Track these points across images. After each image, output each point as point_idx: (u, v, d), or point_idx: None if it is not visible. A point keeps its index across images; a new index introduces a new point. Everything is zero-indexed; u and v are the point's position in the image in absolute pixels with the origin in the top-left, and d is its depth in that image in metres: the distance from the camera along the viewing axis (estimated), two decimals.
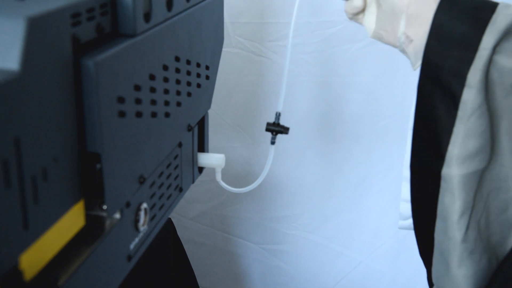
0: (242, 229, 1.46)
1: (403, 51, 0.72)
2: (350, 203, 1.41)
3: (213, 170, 0.83)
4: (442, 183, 0.66)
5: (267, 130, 0.87)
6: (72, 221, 0.49)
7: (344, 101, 1.32)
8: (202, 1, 0.72)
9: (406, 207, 0.77)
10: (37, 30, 0.42)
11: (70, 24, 0.46)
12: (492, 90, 0.64)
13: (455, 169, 0.65)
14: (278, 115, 0.88)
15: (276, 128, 0.87)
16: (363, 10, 0.76)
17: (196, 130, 0.77)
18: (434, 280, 0.73)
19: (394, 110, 1.32)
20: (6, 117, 0.39)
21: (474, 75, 0.63)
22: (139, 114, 0.56)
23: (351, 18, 0.78)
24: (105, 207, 0.52)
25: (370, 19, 0.75)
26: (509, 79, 0.64)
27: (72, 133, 0.48)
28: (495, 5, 0.65)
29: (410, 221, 0.75)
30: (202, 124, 0.80)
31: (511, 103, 0.65)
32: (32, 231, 0.43)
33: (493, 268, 0.67)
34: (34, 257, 0.44)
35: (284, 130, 0.87)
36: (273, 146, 0.89)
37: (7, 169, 0.39)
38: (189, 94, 0.71)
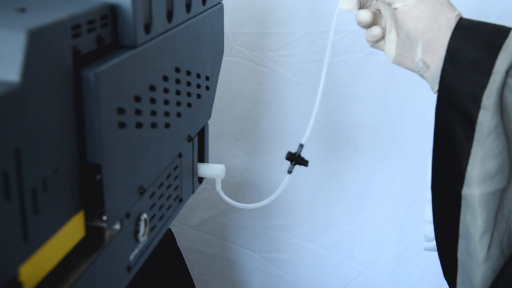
0: (242, 238, 1.46)
1: (422, 76, 0.74)
2: (350, 213, 1.41)
3: (213, 179, 0.83)
4: (463, 203, 0.68)
5: (287, 159, 0.87)
6: (72, 232, 0.49)
7: (344, 110, 1.33)
8: (202, 12, 0.72)
9: (430, 229, 0.78)
10: (38, 42, 0.42)
11: (71, 36, 0.46)
12: (507, 112, 0.66)
13: (475, 189, 0.67)
14: (301, 147, 0.88)
15: (296, 159, 0.88)
16: (383, 37, 0.78)
17: (196, 140, 0.77)
18: None
19: (394, 120, 1.32)
20: (6, 128, 0.39)
21: (489, 98, 0.65)
22: (139, 125, 0.56)
23: (372, 46, 0.80)
24: (105, 218, 0.52)
25: (390, 46, 0.77)
26: None
27: (72, 144, 0.48)
28: (508, 30, 0.67)
29: (434, 243, 0.76)
30: (202, 135, 0.80)
31: None
32: (32, 242, 0.43)
33: None
34: (34, 268, 0.44)
35: (304, 162, 0.87)
36: (288, 176, 0.89)
37: (7, 180, 0.39)
38: (189, 105, 0.71)
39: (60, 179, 0.46)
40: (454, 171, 0.69)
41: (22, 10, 0.46)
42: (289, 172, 0.88)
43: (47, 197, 0.44)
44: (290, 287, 1.48)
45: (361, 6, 0.78)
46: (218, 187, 0.85)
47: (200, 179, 0.82)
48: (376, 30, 0.78)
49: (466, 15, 0.71)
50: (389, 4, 0.73)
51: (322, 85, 0.84)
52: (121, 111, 0.52)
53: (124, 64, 0.52)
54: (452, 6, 0.71)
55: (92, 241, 0.52)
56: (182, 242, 1.41)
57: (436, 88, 0.70)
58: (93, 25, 0.50)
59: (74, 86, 0.47)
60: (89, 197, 0.51)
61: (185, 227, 1.45)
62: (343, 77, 1.29)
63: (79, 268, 0.49)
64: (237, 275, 1.50)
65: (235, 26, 1.25)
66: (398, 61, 0.77)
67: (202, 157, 0.81)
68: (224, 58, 0.84)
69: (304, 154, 1.36)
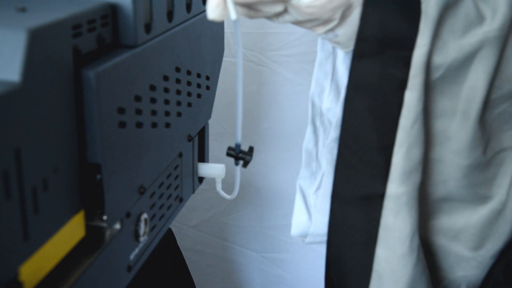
0: (243, 238, 1.46)
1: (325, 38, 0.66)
2: None
3: (213, 179, 0.83)
4: (386, 203, 0.62)
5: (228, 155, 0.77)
6: (72, 231, 0.49)
7: None
8: (202, 12, 0.72)
9: (300, 221, 0.80)
10: (38, 41, 0.42)
11: (71, 36, 0.46)
12: (429, 92, 0.60)
13: (398, 186, 0.61)
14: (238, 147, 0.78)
15: (237, 155, 0.79)
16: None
17: (196, 140, 0.77)
18: None
19: None
20: (6, 128, 0.39)
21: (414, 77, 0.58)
22: (139, 125, 0.56)
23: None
24: (105, 217, 0.52)
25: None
26: (437, 76, 0.59)
27: (72, 143, 0.48)
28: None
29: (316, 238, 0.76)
30: (202, 134, 0.80)
31: (438, 104, 0.61)
32: (32, 242, 0.43)
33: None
34: (34, 268, 0.44)
35: (246, 155, 0.79)
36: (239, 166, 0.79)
37: (7, 180, 0.39)
38: (189, 105, 0.71)
39: (61, 178, 0.46)
40: (371, 170, 0.62)
41: (23, 9, 0.46)
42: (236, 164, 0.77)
43: (48, 196, 0.44)
44: (290, 287, 1.48)
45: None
46: (219, 187, 0.85)
47: (200, 179, 0.82)
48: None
49: None
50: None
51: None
52: (121, 110, 0.52)
53: (125, 63, 0.52)
54: None
55: (92, 241, 0.52)
56: (182, 243, 1.41)
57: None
58: (93, 25, 0.50)
59: (74, 85, 0.47)
60: (89, 196, 0.51)
61: (185, 227, 1.45)
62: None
63: (79, 267, 0.49)
64: (238, 275, 1.50)
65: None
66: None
67: (203, 157, 0.81)
68: (224, 59, 0.84)
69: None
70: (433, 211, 0.66)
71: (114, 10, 0.53)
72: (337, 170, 0.64)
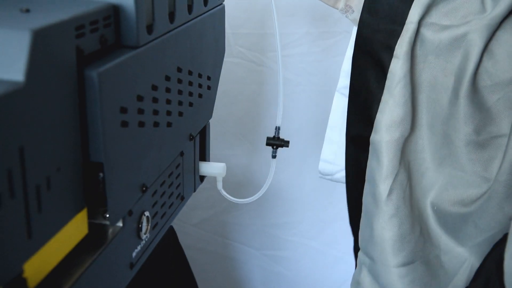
0: (243, 236, 1.47)
1: (346, 16, 0.76)
2: None
3: (214, 177, 0.84)
4: (371, 149, 0.71)
5: (267, 144, 0.88)
6: (75, 229, 0.50)
7: None
8: (203, 13, 0.72)
9: (325, 166, 0.87)
10: (42, 42, 0.42)
11: (74, 36, 0.47)
12: (415, 62, 0.68)
13: (382, 135, 0.69)
14: (277, 129, 0.89)
15: (276, 142, 0.88)
16: None
17: (197, 139, 0.77)
18: (360, 244, 0.76)
19: None
20: (10, 127, 0.39)
21: (401, 47, 0.67)
22: (141, 124, 0.57)
23: None
24: (107, 215, 0.53)
25: None
26: (427, 51, 0.67)
27: (75, 143, 0.48)
28: None
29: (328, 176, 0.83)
30: (203, 134, 0.80)
31: (427, 76, 0.68)
32: (35, 239, 0.43)
33: (416, 235, 0.70)
34: (38, 265, 0.44)
35: (285, 143, 0.89)
36: (274, 160, 0.90)
37: (11, 178, 0.40)
38: (190, 104, 0.71)
39: (64, 177, 0.47)
40: (366, 118, 0.71)
41: (27, 10, 0.47)
42: (273, 156, 0.89)
43: (51, 195, 0.45)
44: (291, 284, 1.49)
45: None
46: (219, 185, 0.85)
47: (202, 178, 0.82)
48: None
49: None
50: None
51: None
52: (123, 110, 0.52)
53: (127, 64, 0.52)
54: None
55: (95, 239, 0.53)
56: (184, 241, 1.41)
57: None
58: (96, 26, 0.50)
59: (77, 85, 0.47)
60: (92, 195, 0.51)
61: (186, 225, 1.45)
62: None
63: (82, 265, 0.49)
64: (238, 273, 1.51)
65: (236, 26, 1.26)
66: None
67: (204, 156, 0.81)
68: (225, 59, 0.84)
69: (304, 151, 1.36)
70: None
71: (116, 11, 0.53)
72: (348, 114, 0.74)
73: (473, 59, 0.65)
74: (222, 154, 1.38)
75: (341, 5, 0.75)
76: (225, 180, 0.86)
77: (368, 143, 0.71)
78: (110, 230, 0.54)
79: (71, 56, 0.46)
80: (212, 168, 0.81)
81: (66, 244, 0.49)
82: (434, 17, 0.67)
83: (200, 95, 0.75)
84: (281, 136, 1.34)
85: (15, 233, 0.41)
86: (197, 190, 0.81)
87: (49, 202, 0.45)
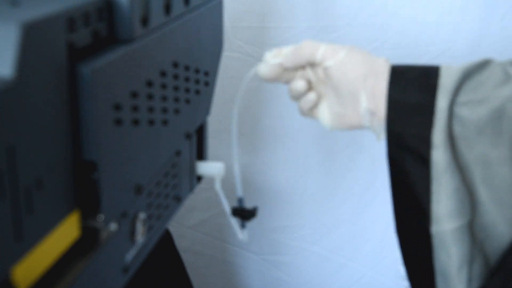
0: None
1: (368, 127, 0.74)
2: (353, 214, 1.40)
3: (212, 178, 0.83)
4: (435, 242, 0.69)
5: (234, 215, 0.81)
6: (67, 232, 0.49)
7: None
8: (201, 5, 0.72)
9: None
10: (32, 36, 0.41)
11: (66, 30, 0.46)
12: (458, 145, 0.67)
13: (445, 225, 0.68)
14: (241, 201, 0.84)
15: (243, 214, 0.83)
16: (317, 105, 0.79)
17: (194, 138, 0.77)
18: None
19: None
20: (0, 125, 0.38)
21: (438, 136, 0.67)
22: (136, 122, 0.56)
23: (306, 115, 0.81)
24: (101, 217, 0.52)
25: (325, 111, 0.78)
26: (468, 131, 0.67)
27: (67, 141, 0.47)
28: (437, 68, 0.69)
29: None
30: (201, 132, 0.80)
31: (476, 153, 0.67)
32: (25, 242, 0.43)
33: None
34: (28, 269, 0.43)
35: (251, 214, 0.82)
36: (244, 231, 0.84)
37: (0, 178, 0.39)
38: (187, 101, 0.70)
39: (55, 177, 0.46)
40: (418, 211, 0.70)
41: (16, 3, 0.46)
42: (242, 226, 0.83)
43: (42, 195, 0.44)
44: None
45: (277, 78, 0.79)
46: (218, 185, 0.84)
47: (199, 178, 0.81)
48: (312, 96, 0.78)
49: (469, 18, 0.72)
50: (319, 65, 0.74)
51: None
52: (117, 107, 0.52)
53: (121, 59, 0.51)
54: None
55: (87, 241, 0.52)
56: (180, 243, 1.40)
57: (382, 136, 0.71)
58: (88, 19, 0.49)
59: (69, 81, 0.46)
60: (85, 196, 0.50)
61: (183, 227, 1.44)
62: None
63: (75, 269, 0.48)
64: (237, 278, 1.50)
65: (235, 20, 1.25)
66: (337, 123, 0.77)
67: (201, 155, 0.81)
68: (223, 54, 0.84)
69: (305, 152, 1.36)
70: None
71: (109, 3, 0.52)
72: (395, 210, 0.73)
73: None
74: (220, 153, 1.36)
75: (365, 114, 0.73)
76: (223, 181, 0.85)
77: (427, 236, 0.69)
78: (103, 233, 0.53)
79: (63, 51, 0.45)
80: (210, 168, 0.80)
81: (57, 247, 0.48)
82: (464, 96, 0.67)
83: (197, 92, 0.74)
84: (281, 137, 1.33)
85: (4, 235, 0.40)
86: (194, 191, 0.80)
87: (40, 203, 0.44)
